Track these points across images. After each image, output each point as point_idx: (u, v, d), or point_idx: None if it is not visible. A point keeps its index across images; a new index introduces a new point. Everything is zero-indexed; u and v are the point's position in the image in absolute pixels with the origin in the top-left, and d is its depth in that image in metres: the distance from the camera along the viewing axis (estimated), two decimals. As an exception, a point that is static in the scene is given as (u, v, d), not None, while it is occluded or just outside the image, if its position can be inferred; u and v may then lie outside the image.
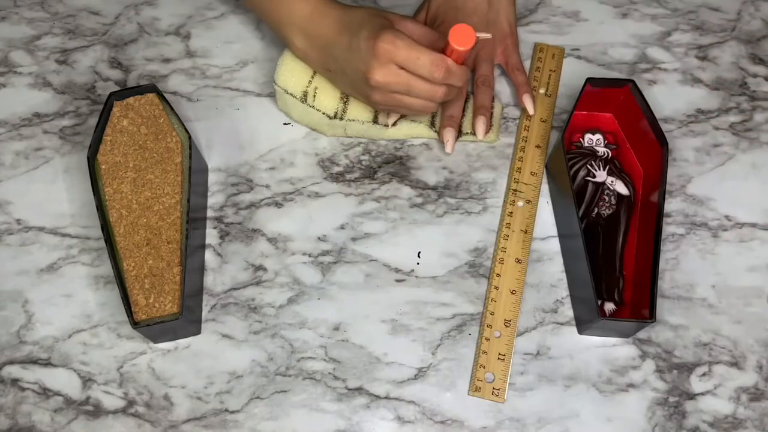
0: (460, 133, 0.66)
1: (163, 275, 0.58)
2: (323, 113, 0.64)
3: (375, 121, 0.65)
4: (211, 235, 0.63)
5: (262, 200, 0.65)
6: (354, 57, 0.57)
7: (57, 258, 0.63)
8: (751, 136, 0.68)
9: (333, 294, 0.61)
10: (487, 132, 0.65)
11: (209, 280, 0.62)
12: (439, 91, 0.57)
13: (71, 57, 0.71)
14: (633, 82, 0.63)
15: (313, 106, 0.64)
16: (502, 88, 0.70)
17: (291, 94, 0.64)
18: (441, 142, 0.65)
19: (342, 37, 0.58)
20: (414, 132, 0.66)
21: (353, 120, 0.64)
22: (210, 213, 0.64)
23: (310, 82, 0.64)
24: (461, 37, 0.54)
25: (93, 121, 0.68)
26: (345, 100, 0.64)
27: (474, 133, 0.65)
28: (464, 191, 0.65)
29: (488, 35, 0.57)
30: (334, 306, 0.61)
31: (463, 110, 0.66)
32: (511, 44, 0.68)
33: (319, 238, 0.63)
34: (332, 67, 0.60)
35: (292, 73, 0.64)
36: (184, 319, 0.56)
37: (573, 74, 0.70)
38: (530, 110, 0.66)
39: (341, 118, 0.64)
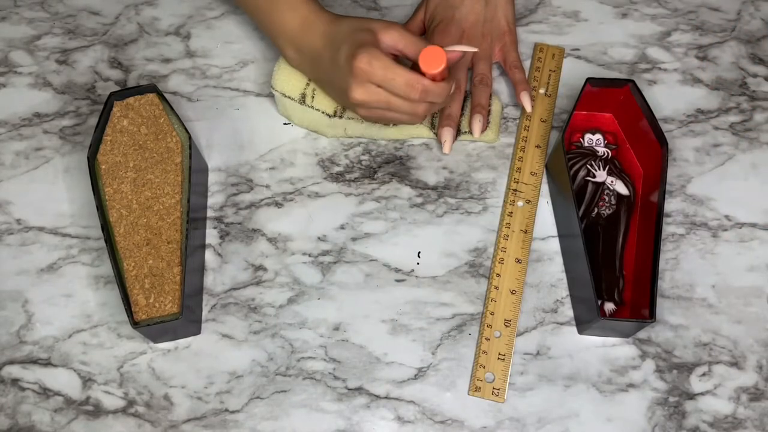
0: (458, 132, 0.66)
1: (163, 275, 0.58)
2: (323, 112, 0.64)
3: None
4: (211, 235, 0.63)
5: (262, 200, 0.65)
6: (336, 73, 0.57)
7: (57, 258, 0.63)
8: (751, 136, 0.68)
9: (333, 294, 0.61)
10: (483, 130, 0.65)
11: (209, 280, 0.62)
12: (419, 108, 0.57)
13: (71, 57, 0.71)
14: (633, 82, 0.63)
15: (312, 107, 0.64)
16: (502, 88, 0.70)
17: (289, 97, 0.64)
18: (439, 142, 0.65)
19: (327, 51, 0.58)
20: (414, 132, 0.66)
21: (352, 118, 0.64)
22: (210, 213, 0.64)
23: (307, 84, 0.64)
24: (431, 60, 0.53)
25: (93, 121, 0.68)
26: None
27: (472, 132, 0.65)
28: (464, 191, 0.65)
29: (474, 48, 0.57)
30: (334, 306, 0.61)
31: (462, 109, 0.66)
32: (509, 42, 0.68)
33: (319, 238, 0.63)
34: (321, 78, 0.61)
35: (289, 77, 0.64)
36: (184, 319, 0.56)
37: (573, 74, 0.70)
38: (527, 108, 0.66)
39: (341, 116, 0.64)
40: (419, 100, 0.56)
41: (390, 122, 0.61)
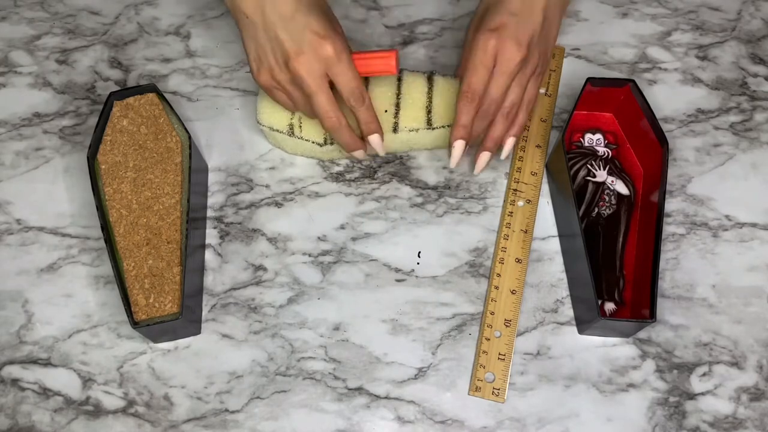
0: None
1: (163, 275, 0.57)
2: (313, 142, 0.63)
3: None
4: (211, 235, 0.63)
5: (262, 200, 0.65)
6: (288, 30, 0.53)
7: (57, 258, 0.63)
8: (751, 135, 0.68)
9: (333, 294, 0.61)
10: (483, 169, 0.63)
11: (209, 280, 0.62)
12: (341, 120, 0.58)
13: (71, 57, 0.71)
14: (633, 81, 0.63)
15: (301, 138, 0.63)
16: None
17: (278, 131, 0.63)
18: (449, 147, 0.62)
19: (294, 4, 0.53)
20: (413, 141, 0.65)
21: None
22: (210, 213, 0.64)
23: (293, 114, 0.63)
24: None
25: (93, 121, 0.68)
26: None
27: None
28: (464, 191, 0.65)
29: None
30: (334, 306, 0.61)
31: None
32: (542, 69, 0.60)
33: (319, 238, 0.63)
34: (253, 15, 0.54)
35: (274, 110, 0.63)
36: (184, 319, 0.56)
37: (573, 74, 0.70)
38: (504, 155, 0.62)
39: (332, 143, 0.63)
40: (356, 107, 0.57)
41: (287, 104, 0.60)
